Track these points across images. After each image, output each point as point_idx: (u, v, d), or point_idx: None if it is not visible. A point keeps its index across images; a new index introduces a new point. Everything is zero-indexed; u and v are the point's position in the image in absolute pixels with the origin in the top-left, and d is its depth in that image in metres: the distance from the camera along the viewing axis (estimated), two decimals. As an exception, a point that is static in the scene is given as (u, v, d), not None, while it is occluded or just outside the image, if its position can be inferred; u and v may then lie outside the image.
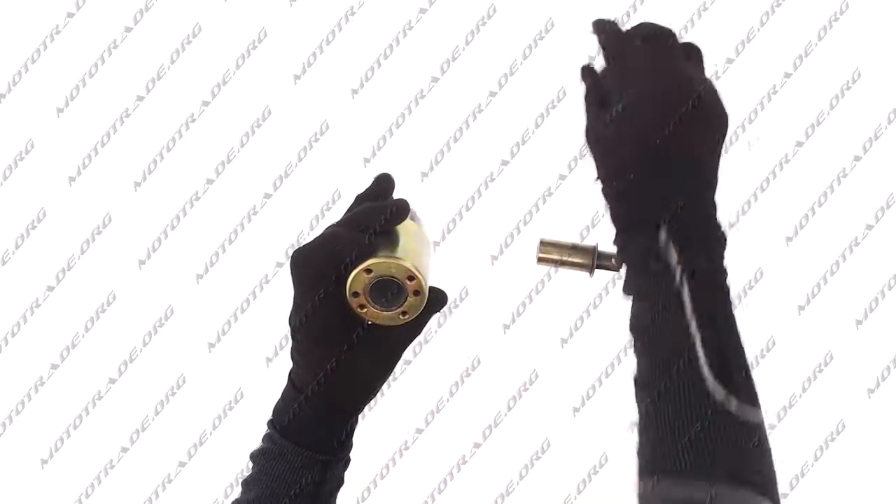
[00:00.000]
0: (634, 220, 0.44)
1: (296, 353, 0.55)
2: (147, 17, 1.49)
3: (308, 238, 0.52)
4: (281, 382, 0.58)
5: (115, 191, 1.49)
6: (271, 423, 0.56)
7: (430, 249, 0.56)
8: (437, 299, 0.54)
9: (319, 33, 1.42)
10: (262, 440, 0.56)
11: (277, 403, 0.57)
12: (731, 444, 0.41)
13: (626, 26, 0.48)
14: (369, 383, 0.56)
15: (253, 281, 1.29)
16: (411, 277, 0.50)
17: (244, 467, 0.57)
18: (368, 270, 0.49)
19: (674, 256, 0.42)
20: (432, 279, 0.54)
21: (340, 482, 0.59)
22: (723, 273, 0.44)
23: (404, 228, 0.54)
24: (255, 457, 0.57)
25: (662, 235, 0.43)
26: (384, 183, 0.57)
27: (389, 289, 0.50)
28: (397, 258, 0.50)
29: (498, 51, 1.49)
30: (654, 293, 0.43)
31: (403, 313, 0.51)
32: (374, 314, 0.51)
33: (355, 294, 0.50)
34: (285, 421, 0.54)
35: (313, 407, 0.54)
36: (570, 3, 1.56)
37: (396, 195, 0.56)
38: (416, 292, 0.51)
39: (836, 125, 1.40)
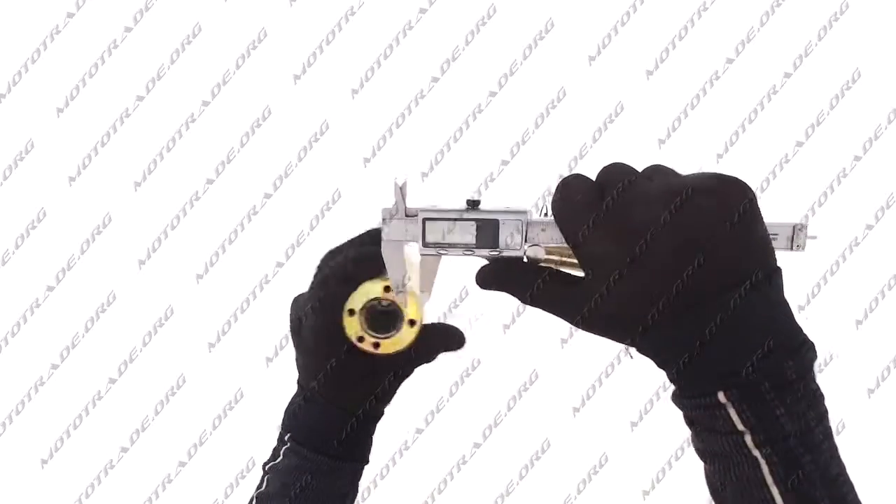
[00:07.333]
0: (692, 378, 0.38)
1: (334, 388, 0.52)
2: (147, 17, 1.49)
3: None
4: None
5: (115, 191, 1.49)
6: (307, 446, 0.53)
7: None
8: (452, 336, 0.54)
9: (319, 33, 1.42)
10: (289, 456, 0.53)
11: (305, 422, 0.53)
12: None
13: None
14: (397, 386, 0.55)
15: (253, 281, 1.29)
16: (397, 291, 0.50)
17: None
18: (353, 310, 0.49)
19: (738, 420, 0.36)
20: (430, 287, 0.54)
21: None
22: (807, 420, 0.37)
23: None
24: (289, 472, 0.53)
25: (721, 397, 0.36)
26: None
27: (381, 315, 0.50)
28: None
29: (498, 51, 1.49)
30: (724, 457, 0.38)
31: (411, 322, 0.51)
32: (383, 345, 0.50)
33: (360, 339, 0.50)
34: (334, 444, 0.53)
35: (362, 427, 0.53)
36: (570, 3, 1.56)
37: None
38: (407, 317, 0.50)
39: (836, 125, 1.40)
